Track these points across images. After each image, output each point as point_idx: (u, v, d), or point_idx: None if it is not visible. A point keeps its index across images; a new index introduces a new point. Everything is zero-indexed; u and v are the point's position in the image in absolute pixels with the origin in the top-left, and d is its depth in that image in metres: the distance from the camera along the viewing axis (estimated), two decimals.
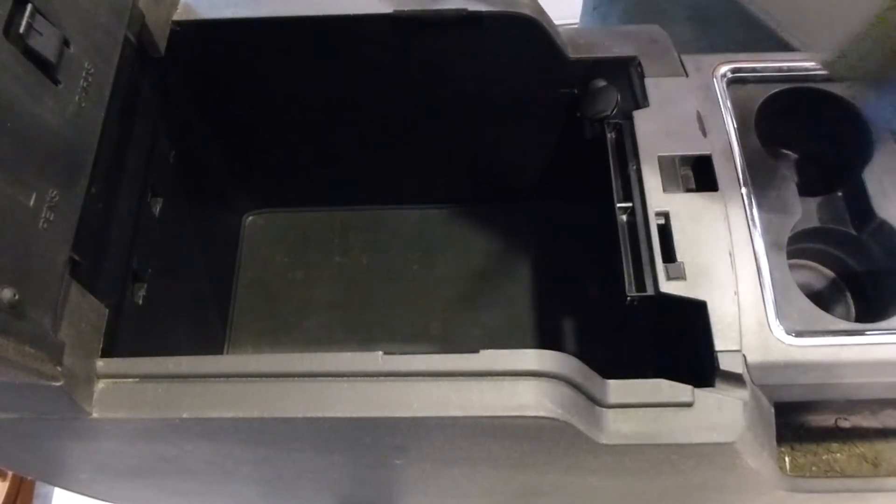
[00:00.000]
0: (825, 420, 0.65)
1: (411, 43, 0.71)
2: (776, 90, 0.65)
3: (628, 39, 0.69)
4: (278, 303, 0.97)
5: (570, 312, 0.93)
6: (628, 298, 0.59)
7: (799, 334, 0.54)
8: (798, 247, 0.64)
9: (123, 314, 0.65)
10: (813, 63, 0.64)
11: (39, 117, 0.47)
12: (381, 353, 0.51)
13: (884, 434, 0.65)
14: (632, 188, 0.62)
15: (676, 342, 0.67)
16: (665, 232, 0.58)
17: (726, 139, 0.62)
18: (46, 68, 0.48)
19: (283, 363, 0.52)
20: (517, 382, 0.50)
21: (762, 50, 0.67)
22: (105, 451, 0.62)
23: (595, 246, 0.93)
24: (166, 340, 0.76)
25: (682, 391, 0.52)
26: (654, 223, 0.58)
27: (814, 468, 0.64)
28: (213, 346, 0.92)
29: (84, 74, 0.52)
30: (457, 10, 0.66)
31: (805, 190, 0.63)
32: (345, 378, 0.51)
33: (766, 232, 0.58)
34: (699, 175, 0.61)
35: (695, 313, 0.56)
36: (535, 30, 0.68)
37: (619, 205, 0.63)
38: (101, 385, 0.52)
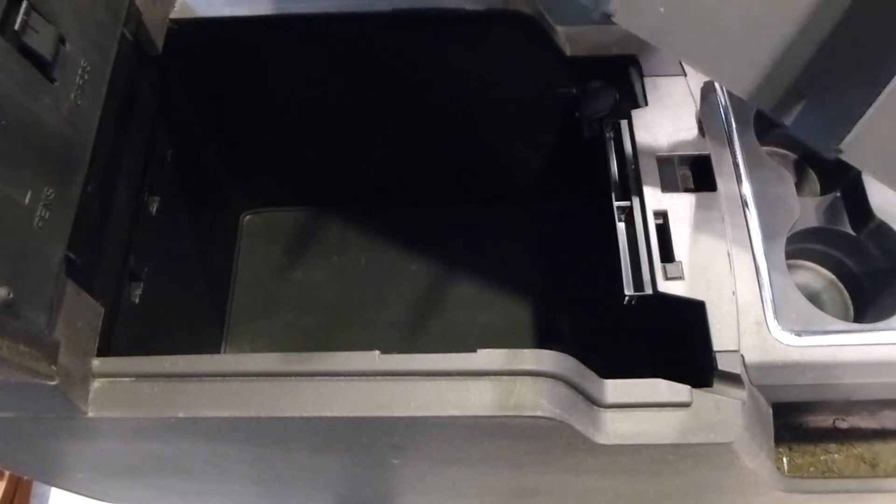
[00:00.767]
0: (823, 421, 0.65)
1: (410, 41, 0.71)
2: None
3: (628, 39, 0.69)
4: (275, 302, 0.97)
5: (567, 312, 0.93)
6: (626, 298, 0.59)
7: (797, 334, 0.54)
8: (796, 247, 0.64)
9: (120, 313, 0.65)
10: None
11: (35, 115, 0.47)
12: (377, 352, 0.51)
13: (882, 435, 0.65)
14: (630, 188, 0.62)
15: (674, 342, 0.67)
16: (663, 232, 0.58)
17: (725, 139, 0.62)
18: (42, 66, 0.48)
19: (280, 362, 0.52)
20: (515, 382, 0.50)
21: None
22: (101, 451, 0.62)
23: (593, 246, 0.93)
24: (163, 339, 0.76)
25: (679, 391, 0.52)
26: (652, 223, 0.58)
27: (812, 469, 0.64)
28: (211, 345, 0.92)
29: (80, 72, 0.51)
30: (456, 8, 0.66)
31: (804, 190, 0.63)
32: (342, 377, 0.51)
33: (765, 232, 0.58)
34: (698, 175, 0.61)
35: (693, 313, 0.55)
36: (533, 28, 0.68)
37: (617, 204, 0.63)
38: (96, 384, 0.52)
